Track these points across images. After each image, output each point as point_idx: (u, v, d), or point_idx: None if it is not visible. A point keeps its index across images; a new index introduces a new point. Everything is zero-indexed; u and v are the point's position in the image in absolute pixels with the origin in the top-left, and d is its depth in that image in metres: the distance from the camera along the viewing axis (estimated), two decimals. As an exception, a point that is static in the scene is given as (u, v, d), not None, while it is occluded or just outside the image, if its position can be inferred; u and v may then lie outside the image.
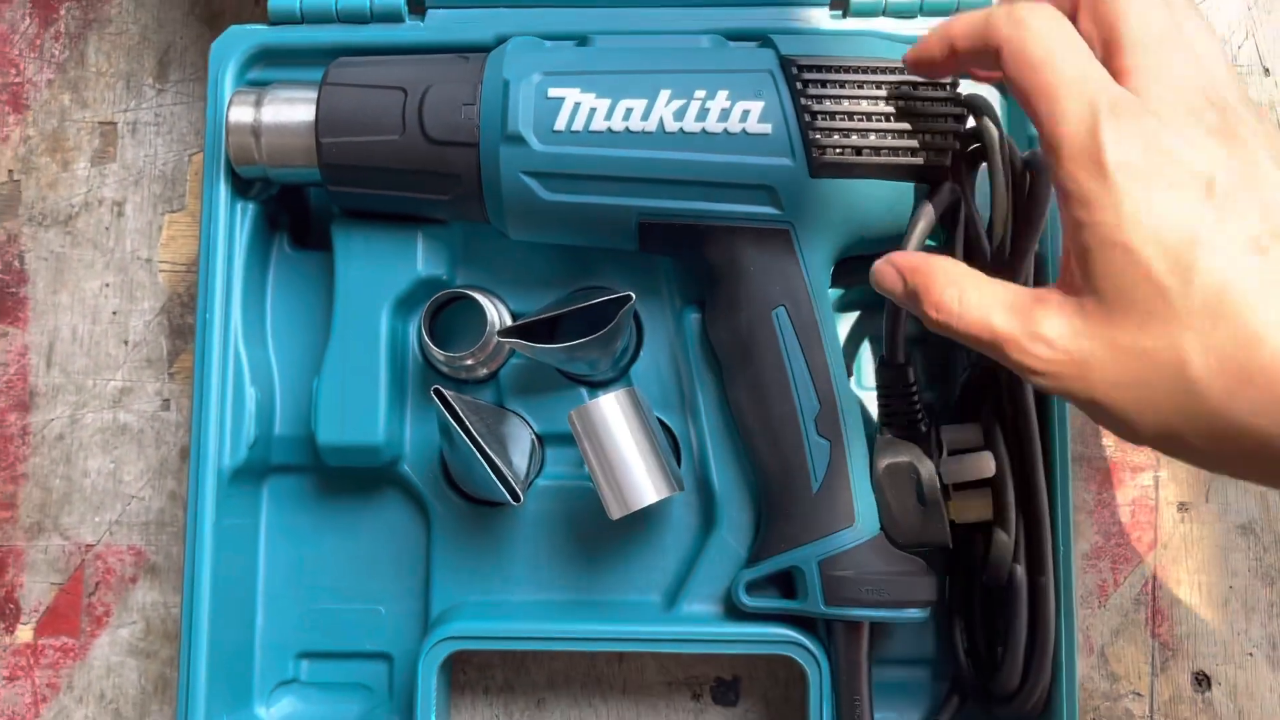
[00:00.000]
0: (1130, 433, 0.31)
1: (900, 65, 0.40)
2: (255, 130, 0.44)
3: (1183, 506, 0.49)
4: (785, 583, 0.44)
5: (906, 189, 0.41)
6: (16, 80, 0.53)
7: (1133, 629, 0.48)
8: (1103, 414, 0.31)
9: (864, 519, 0.42)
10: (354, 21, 0.47)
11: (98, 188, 0.52)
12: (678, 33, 0.46)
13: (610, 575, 0.47)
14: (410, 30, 0.47)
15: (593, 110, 0.41)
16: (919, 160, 0.40)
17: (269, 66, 0.48)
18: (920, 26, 0.46)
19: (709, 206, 0.42)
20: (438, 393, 0.42)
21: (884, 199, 0.42)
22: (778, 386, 0.43)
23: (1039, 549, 0.42)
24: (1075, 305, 0.31)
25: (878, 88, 0.40)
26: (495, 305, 0.47)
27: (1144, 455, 0.49)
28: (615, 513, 0.42)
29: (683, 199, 0.42)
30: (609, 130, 0.41)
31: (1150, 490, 0.49)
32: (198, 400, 0.45)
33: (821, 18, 0.46)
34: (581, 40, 0.45)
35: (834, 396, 0.43)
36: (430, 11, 0.47)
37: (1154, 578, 0.49)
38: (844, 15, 0.46)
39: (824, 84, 0.40)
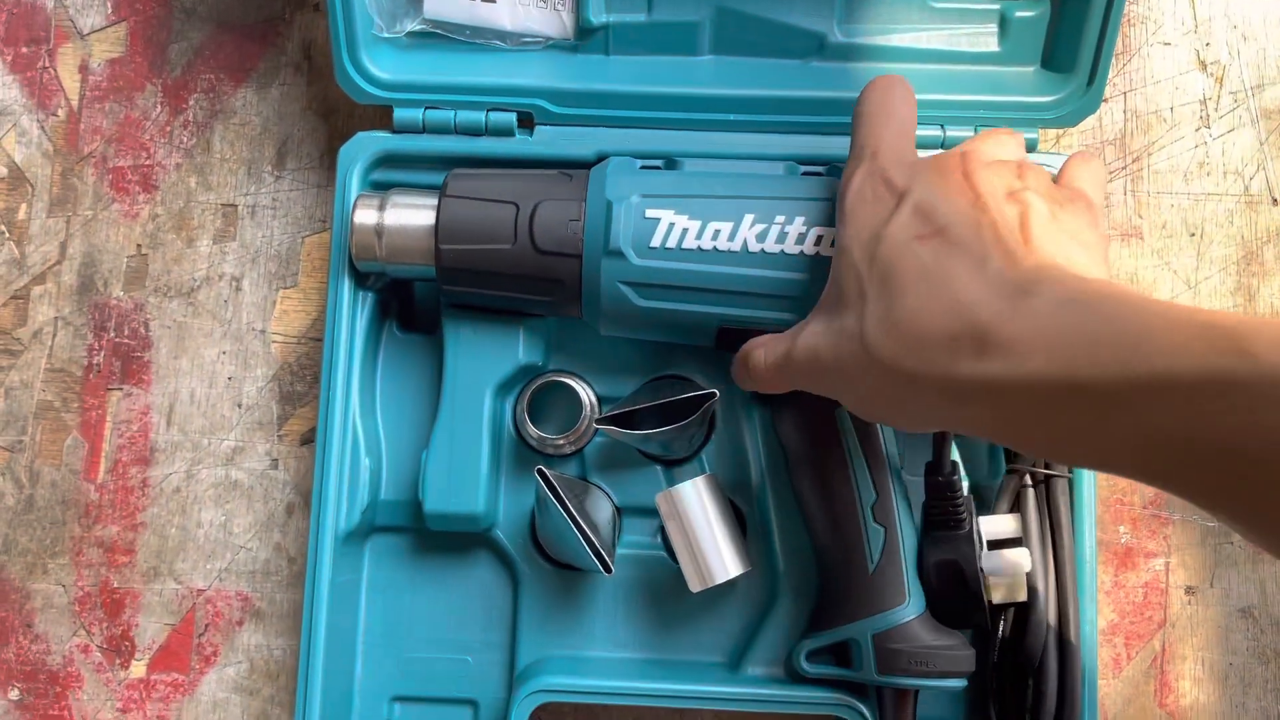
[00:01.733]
0: (851, 405, 0.41)
1: None
2: (378, 231, 0.50)
3: (1190, 590, 0.54)
4: (841, 652, 0.49)
5: None
6: (147, 163, 0.58)
7: (1142, 699, 0.54)
8: (835, 395, 0.42)
9: (914, 597, 0.48)
10: (470, 134, 0.53)
11: (218, 264, 0.58)
12: (755, 157, 0.51)
13: (679, 637, 0.53)
14: (520, 144, 0.52)
15: (685, 230, 0.46)
16: None
17: (390, 169, 0.53)
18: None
19: (784, 316, 0.47)
20: (541, 473, 0.48)
21: None
22: (840, 478, 0.48)
23: (1066, 629, 0.48)
24: (821, 314, 0.42)
25: None
26: (585, 389, 0.53)
27: (1156, 542, 0.55)
28: (696, 586, 0.48)
29: (761, 309, 0.47)
30: (699, 248, 0.46)
31: (1161, 574, 0.55)
32: (319, 468, 0.51)
33: None
34: (670, 162, 0.51)
35: (889, 487, 0.48)
36: (538, 128, 0.53)
37: (1162, 653, 0.54)
38: None
39: None
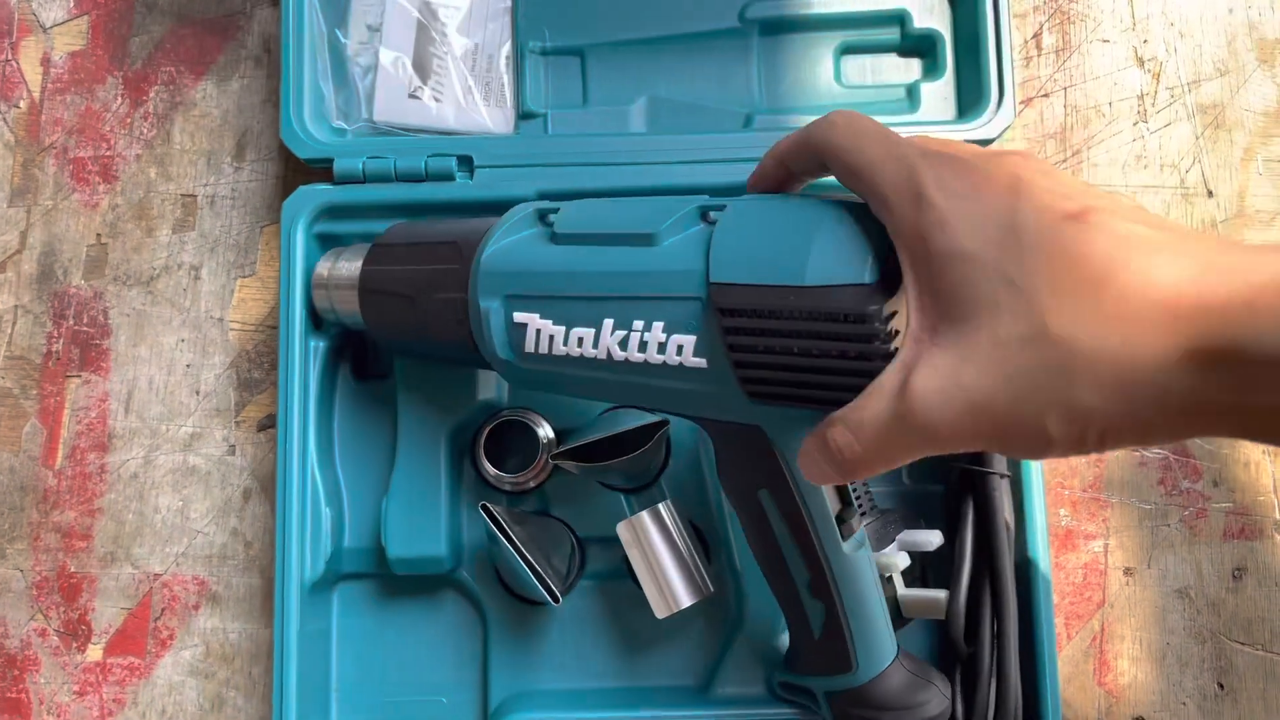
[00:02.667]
0: (1036, 435, 0.30)
1: (828, 312, 0.36)
2: (325, 284, 0.51)
3: (1128, 571, 0.56)
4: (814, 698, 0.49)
5: None
6: (107, 154, 0.59)
7: (1082, 678, 0.55)
8: (1008, 433, 0.31)
9: (865, 663, 0.45)
10: (411, 180, 0.53)
11: (177, 253, 0.58)
12: (675, 191, 0.51)
13: (650, 664, 0.53)
14: (460, 189, 0.53)
15: (552, 337, 0.42)
16: (849, 392, 0.36)
17: (334, 220, 0.54)
18: None
19: (678, 409, 0.43)
20: (484, 508, 0.48)
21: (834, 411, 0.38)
22: (771, 557, 0.45)
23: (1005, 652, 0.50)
24: (937, 348, 0.32)
25: (799, 337, 0.36)
26: (542, 426, 0.53)
27: (1095, 525, 0.56)
28: (662, 612, 0.48)
29: (652, 404, 0.43)
30: (568, 355, 0.42)
31: (1100, 556, 0.56)
32: (280, 521, 0.51)
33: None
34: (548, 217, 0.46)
35: (822, 566, 0.44)
36: (478, 170, 0.53)
37: (1101, 633, 0.55)
38: None
39: (749, 332, 0.37)
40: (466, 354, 0.46)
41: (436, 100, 0.56)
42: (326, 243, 0.54)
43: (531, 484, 0.54)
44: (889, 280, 0.35)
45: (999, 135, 0.54)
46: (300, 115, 0.54)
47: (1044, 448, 0.31)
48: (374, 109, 0.56)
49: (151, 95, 0.60)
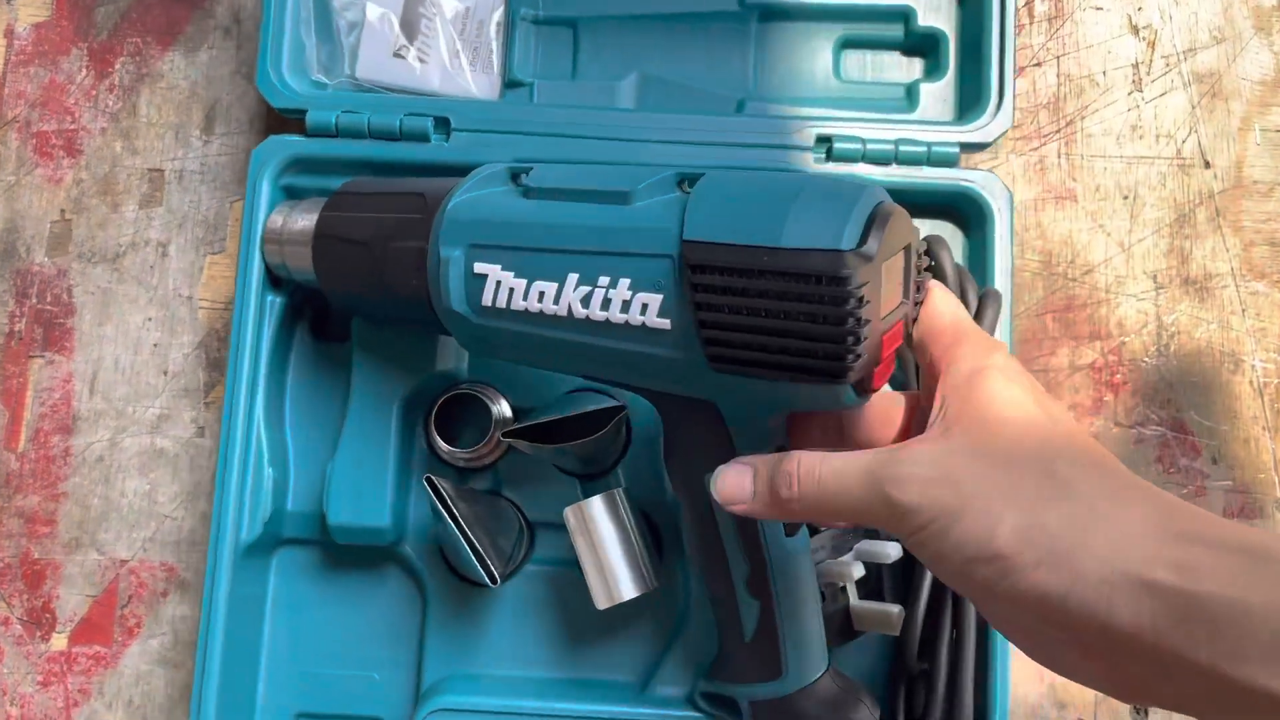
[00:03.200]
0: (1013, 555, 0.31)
1: (801, 273, 0.35)
2: (278, 237, 0.49)
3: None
4: (734, 704, 0.46)
5: (817, 386, 0.36)
6: (71, 127, 0.57)
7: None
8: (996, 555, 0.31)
9: (794, 671, 0.43)
10: (385, 138, 0.51)
11: (145, 229, 0.57)
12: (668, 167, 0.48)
13: (589, 656, 0.51)
14: (435, 150, 0.51)
15: (511, 290, 0.41)
16: (815, 364, 0.35)
17: (302, 173, 0.52)
18: (895, 172, 0.51)
19: (632, 378, 0.41)
20: (428, 481, 0.46)
21: (796, 391, 0.37)
22: (710, 547, 0.43)
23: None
24: (937, 434, 0.34)
25: (770, 297, 0.35)
26: (497, 402, 0.52)
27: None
28: (602, 603, 0.46)
29: (608, 370, 0.41)
30: (527, 311, 0.41)
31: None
32: (220, 477, 0.49)
33: (809, 160, 0.51)
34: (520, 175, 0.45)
35: (764, 560, 0.42)
36: (455, 134, 0.51)
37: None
38: (827, 159, 0.51)
39: (719, 290, 0.36)
40: (421, 310, 0.44)
41: (421, 61, 0.55)
42: (293, 196, 0.52)
43: (483, 461, 0.52)
44: (865, 251, 0.34)
45: (995, 139, 0.52)
46: (279, 64, 0.52)
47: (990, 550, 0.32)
48: (356, 66, 0.54)
49: (117, 67, 0.58)
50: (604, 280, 0.39)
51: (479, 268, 0.42)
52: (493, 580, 0.46)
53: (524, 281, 0.40)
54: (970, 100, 0.54)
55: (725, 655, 0.46)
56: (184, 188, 0.57)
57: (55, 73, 0.58)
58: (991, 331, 0.48)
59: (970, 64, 0.54)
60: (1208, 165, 0.57)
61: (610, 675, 0.51)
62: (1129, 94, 0.57)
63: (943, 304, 0.39)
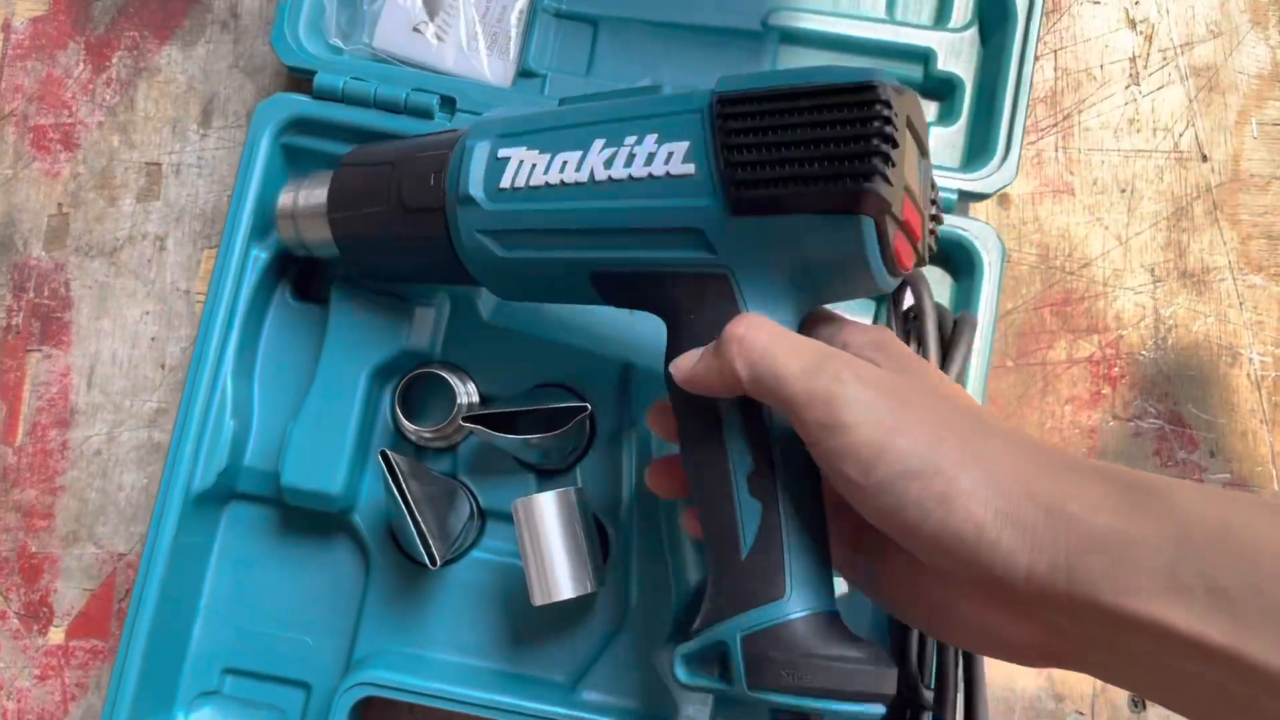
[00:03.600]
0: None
1: (832, 86, 0.36)
2: (292, 214, 0.49)
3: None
4: (725, 661, 0.38)
5: (841, 221, 0.36)
6: (69, 121, 0.57)
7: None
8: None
9: (800, 592, 0.37)
10: (389, 110, 0.51)
11: (142, 223, 0.57)
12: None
13: (524, 651, 0.51)
14: (438, 128, 0.51)
15: (534, 166, 0.41)
16: (840, 188, 0.35)
17: (304, 135, 0.52)
18: None
19: (648, 254, 0.40)
20: (383, 455, 0.46)
21: (818, 234, 0.36)
22: (711, 440, 0.39)
23: None
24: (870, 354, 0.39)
25: (798, 114, 0.36)
26: (465, 385, 0.52)
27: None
28: (538, 600, 0.46)
29: (622, 248, 0.40)
30: (547, 185, 0.41)
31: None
32: (179, 423, 0.50)
33: None
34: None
35: (771, 456, 0.38)
36: (459, 114, 0.51)
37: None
38: None
39: (746, 116, 0.37)
40: (436, 231, 0.44)
41: (439, 39, 0.55)
42: (290, 155, 0.53)
43: (444, 443, 0.52)
44: (895, 85, 0.36)
45: (995, 192, 0.52)
46: (295, 22, 0.52)
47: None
48: (374, 35, 0.54)
49: (114, 61, 0.58)
50: (630, 139, 0.40)
51: (503, 152, 0.42)
52: (432, 562, 0.46)
53: (547, 156, 0.41)
54: (977, 149, 0.53)
55: (718, 589, 0.39)
56: (181, 181, 0.57)
57: (52, 67, 0.58)
58: (964, 360, 0.47)
59: (982, 113, 0.54)
60: (1205, 159, 0.57)
61: (540, 673, 0.51)
62: (1126, 88, 0.57)
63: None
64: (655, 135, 0.39)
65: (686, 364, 0.38)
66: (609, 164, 0.40)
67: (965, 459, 0.32)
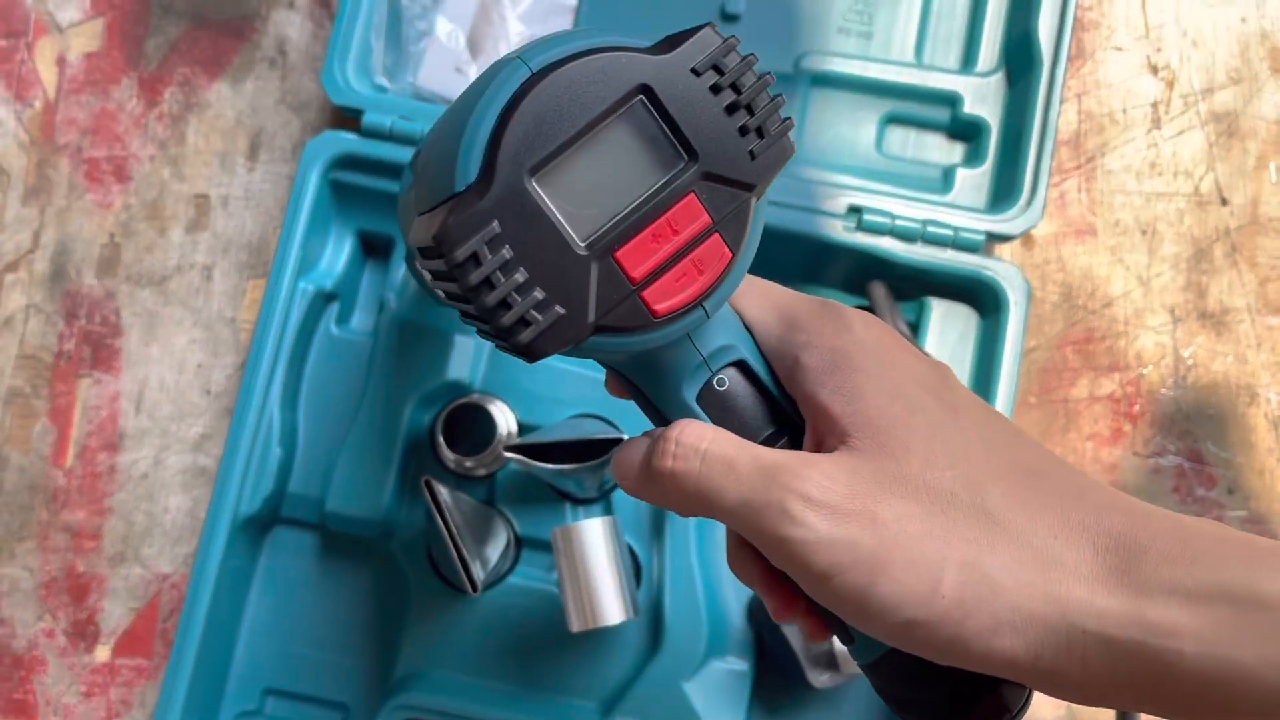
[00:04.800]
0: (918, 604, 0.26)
1: None
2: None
3: (1142, 579, 0.55)
4: None
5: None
6: (122, 154, 0.59)
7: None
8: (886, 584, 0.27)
9: None
10: None
11: (190, 253, 0.58)
12: None
13: (557, 676, 0.52)
14: None
15: None
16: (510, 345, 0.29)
17: (352, 171, 0.54)
18: (920, 250, 0.53)
19: None
20: (426, 483, 0.48)
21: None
22: None
23: None
24: (826, 454, 0.28)
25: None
26: (505, 415, 0.53)
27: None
28: (576, 626, 0.47)
29: None
30: None
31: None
32: (228, 450, 0.52)
33: (838, 227, 0.53)
34: None
35: None
36: None
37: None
38: (857, 228, 0.52)
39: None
40: None
41: None
42: (338, 190, 0.55)
43: (483, 472, 0.53)
44: (477, 189, 0.28)
45: (1020, 234, 0.53)
46: (344, 62, 0.54)
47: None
48: (419, 74, 0.56)
49: (166, 96, 0.60)
50: None
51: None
52: (473, 588, 0.48)
53: None
54: (1003, 192, 0.55)
55: None
56: (228, 213, 0.59)
57: (106, 101, 0.60)
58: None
59: (1009, 156, 0.55)
60: (1224, 202, 0.58)
61: (574, 698, 0.52)
62: (1148, 132, 0.59)
63: (753, 296, 0.32)
64: None
65: (624, 459, 0.31)
66: None
67: (972, 590, 0.26)
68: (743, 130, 0.28)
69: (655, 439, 0.30)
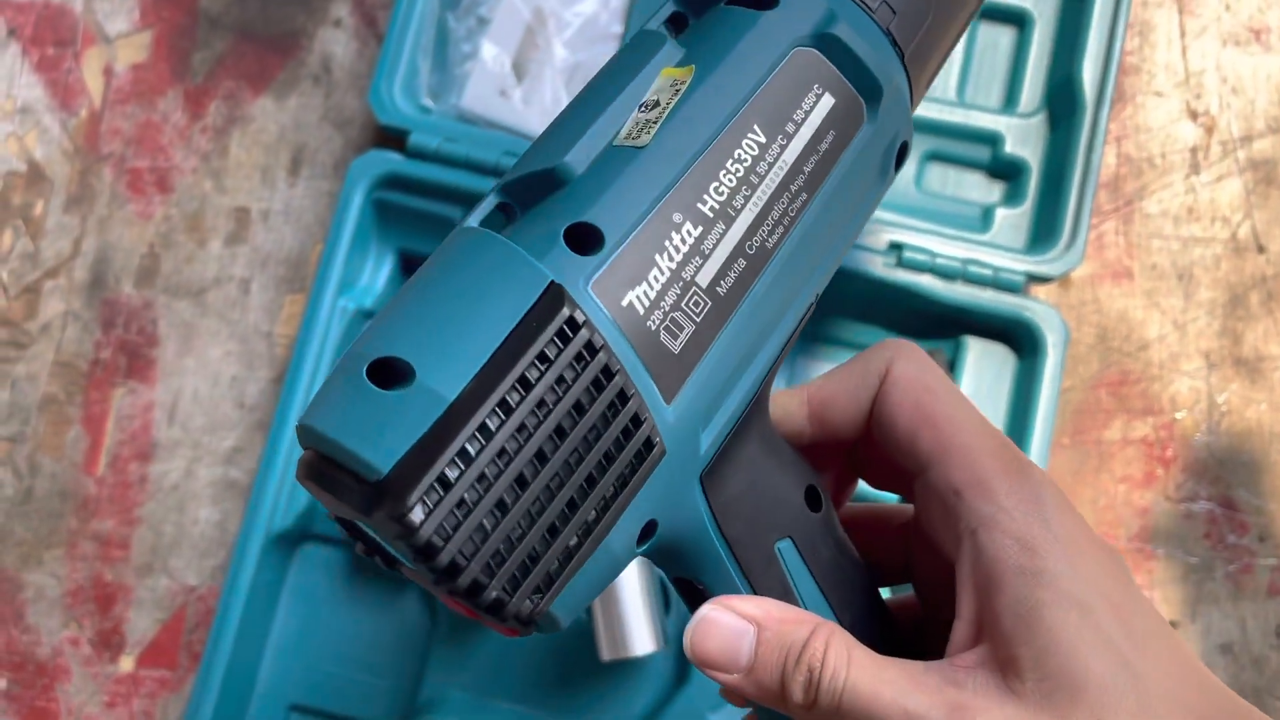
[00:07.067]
0: None
1: None
2: None
3: (1172, 624, 0.55)
4: None
5: None
6: (165, 165, 0.60)
7: (1123, 731, 0.54)
8: None
9: None
10: (479, 171, 0.53)
11: (229, 266, 0.59)
12: None
13: (584, 704, 0.52)
14: None
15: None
16: None
17: (395, 191, 0.54)
18: (960, 290, 0.53)
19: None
20: None
21: None
22: None
23: None
24: (1010, 690, 0.25)
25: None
26: None
27: (1140, 576, 0.56)
28: (606, 655, 0.47)
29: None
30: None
31: (1144, 608, 0.55)
32: (263, 464, 0.52)
33: (878, 263, 0.53)
34: None
35: None
36: None
37: (1143, 686, 0.55)
38: (897, 265, 0.53)
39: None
40: None
41: (525, 104, 0.57)
42: (381, 211, 0.55)
43: None
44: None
45: (1060, 275, 0.53)
46: (391, 82, 0.55)
47: None
48: (463, 96, 0.57)
49: (210, 109, 0.60)
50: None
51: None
52: None
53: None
54: (1044, 232, 0.55)
55: None
56: (268, 227, 0.59)
57: (151, 113, 0.60)
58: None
59: (1049, 198, 0.55)
60: (1261, 250, 0.59)
61: None
62: (1186, 177, 0.59)
63: (914, 381, 0.29)
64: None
65: (718, 654, 0.27)
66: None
67: None
68: None
69: (787, 649, 0.26)
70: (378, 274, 0.57)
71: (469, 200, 0.54)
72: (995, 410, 0.54)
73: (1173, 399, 0.57)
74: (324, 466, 0.24)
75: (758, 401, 0.29)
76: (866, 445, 0.31)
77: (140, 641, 0.56)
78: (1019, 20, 0.58)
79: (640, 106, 0.27)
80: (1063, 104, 0.56)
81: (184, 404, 0.58)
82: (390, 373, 0.24)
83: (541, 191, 0.26)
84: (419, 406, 0.23)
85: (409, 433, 0.23)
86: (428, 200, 0.54)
